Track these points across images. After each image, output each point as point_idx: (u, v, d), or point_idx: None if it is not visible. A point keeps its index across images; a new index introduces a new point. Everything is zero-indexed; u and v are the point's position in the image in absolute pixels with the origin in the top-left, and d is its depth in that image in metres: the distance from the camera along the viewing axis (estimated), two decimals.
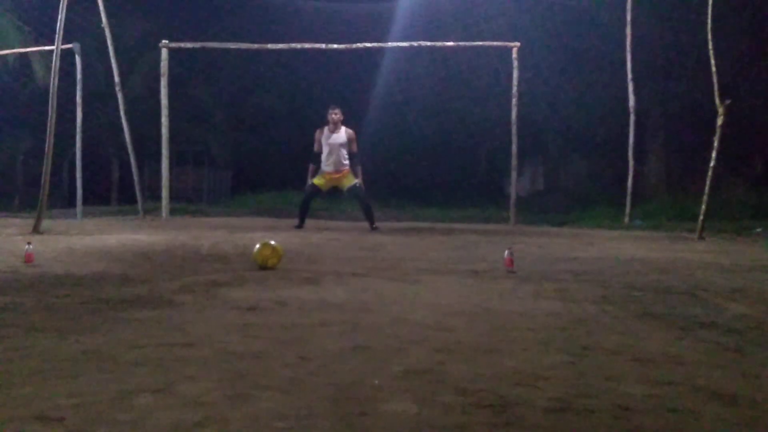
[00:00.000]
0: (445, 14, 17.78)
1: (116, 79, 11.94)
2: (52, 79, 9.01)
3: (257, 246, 5.36)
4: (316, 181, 10.08)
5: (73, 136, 11.93)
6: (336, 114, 9.98)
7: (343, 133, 9.94)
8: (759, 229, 10.39)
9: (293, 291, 4.18)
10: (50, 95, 8.88)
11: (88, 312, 3.44)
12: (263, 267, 5.18)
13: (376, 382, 2.25)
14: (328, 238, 8.38)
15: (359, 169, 10.08)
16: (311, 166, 10.13)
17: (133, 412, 1.93)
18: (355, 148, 10.01)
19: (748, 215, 12.44)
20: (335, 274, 4.98)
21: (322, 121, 10.13)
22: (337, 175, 10.02)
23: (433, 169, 21.48)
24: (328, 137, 9.95)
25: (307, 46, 13.19)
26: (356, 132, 10.18)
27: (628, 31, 11.96)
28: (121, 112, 12.05)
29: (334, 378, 2.29)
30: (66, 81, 10.66)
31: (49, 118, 8.82)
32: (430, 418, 1.91)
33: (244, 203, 18.51)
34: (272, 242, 5.44)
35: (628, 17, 11.94)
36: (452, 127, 20.38)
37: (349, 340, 2.84)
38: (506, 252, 5.37)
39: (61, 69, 9.18)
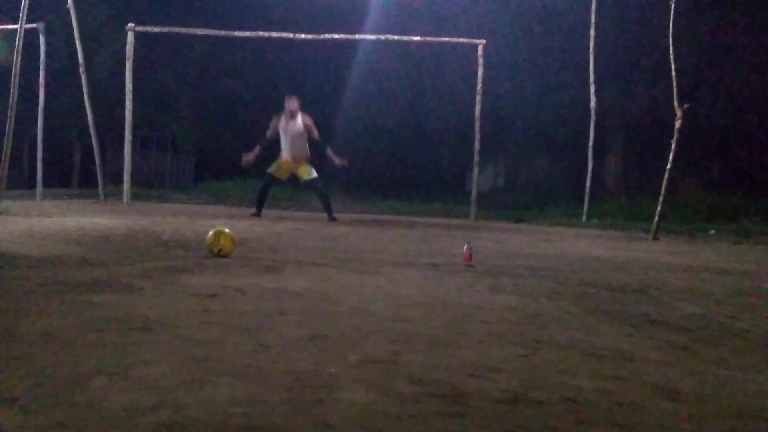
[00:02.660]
0: (417, 8, 17.80)
1: (80, 60, 11.76)
2: (15, 58, 8.85)
3: (210, 233, 5.25)
4: (273, 170, 10.10)
5: (35, 117, 11.73)
6: (293, 103, 9.97)
7: (299, 122, 9.91)
8: (712, 232, 10.62)
9: (253, 279, 4.18)
10: (12, 75, 8.73)
11: (45, 294, 3.41)
12: (217, 254, 5.08)
13: (333, 370, 2.27)
14: (291, 228, 8.38)
15: (329, 150, 10.12)
16: (258, 147, 10.18)
17: (88, 394, 1.92)
18: (315, 134, 9.98)
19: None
20: (296, 264, 4.99)
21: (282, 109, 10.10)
22: (294, 164, 10.03)
23: (396, 163, 21.53)
24: (285, 126, 9.92)
25: (274, 35, 13.13)
26: (315, 119, 10.16)
27: (592, 33, 12.11)
28: (85, 95, 11.88)
29: (292, 366, 2.30)
30: (29, 61, 10.46)
31: (11, 98, 8.67)
32: (385, 406, 1.94)
33: (206, 190, 18.36)
34: (226, 230, 5.32)
35: (593, 19, 12.09)
36: (417, 121, 20.45)
37: (308, 329, 2.86)
38: (465, 246, 5.43)
39: (24, 49, 9.02)
